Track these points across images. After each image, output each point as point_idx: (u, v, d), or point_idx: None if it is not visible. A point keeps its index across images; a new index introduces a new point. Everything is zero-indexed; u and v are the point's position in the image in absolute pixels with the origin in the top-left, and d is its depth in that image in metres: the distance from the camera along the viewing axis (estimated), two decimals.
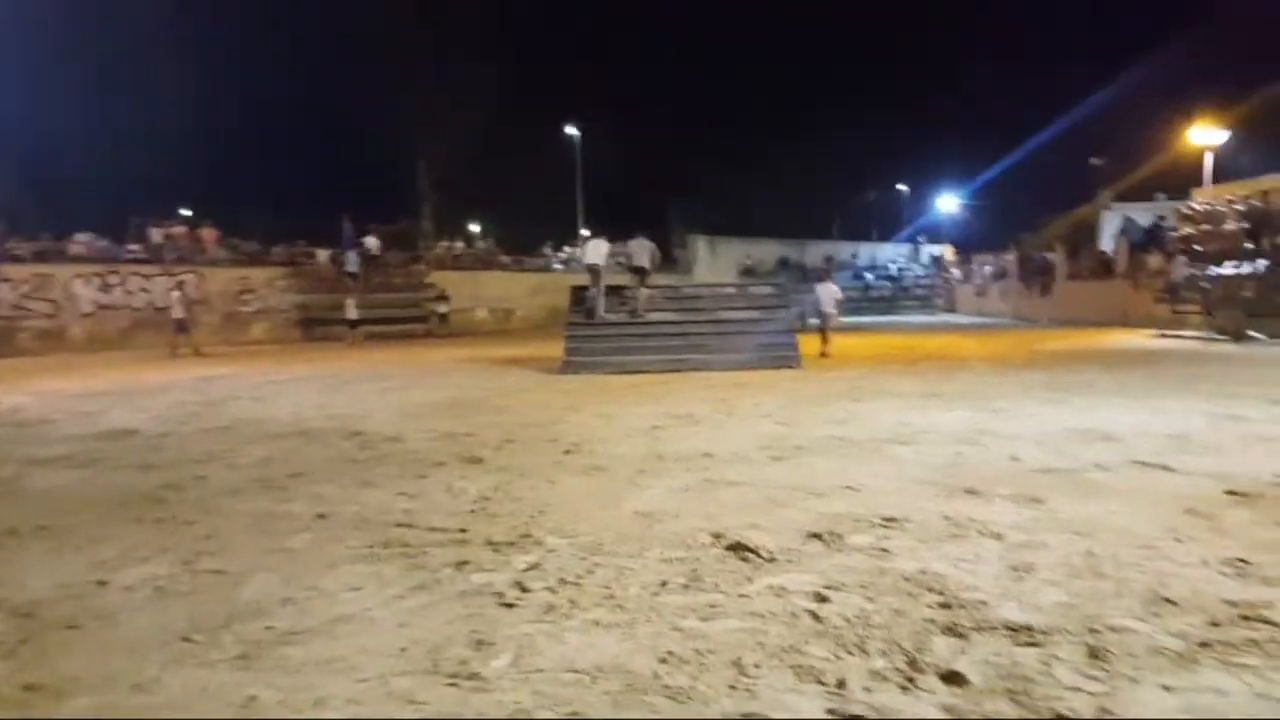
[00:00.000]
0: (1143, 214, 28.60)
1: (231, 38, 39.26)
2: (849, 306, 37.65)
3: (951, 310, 39.73)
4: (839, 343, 17.78)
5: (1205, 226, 20.78)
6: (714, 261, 39.55)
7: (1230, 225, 19.86)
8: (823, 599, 3.53)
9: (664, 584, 3.76)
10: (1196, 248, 21.14)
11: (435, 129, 34.87)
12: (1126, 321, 23.92)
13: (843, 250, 44.59)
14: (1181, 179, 29.10)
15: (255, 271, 29.56)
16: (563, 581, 3.85)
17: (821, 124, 53.09)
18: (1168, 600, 3.39)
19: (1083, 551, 4.07)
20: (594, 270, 16.21)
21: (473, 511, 5.19)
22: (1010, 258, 34.70)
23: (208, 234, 29.99)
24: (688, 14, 55.15)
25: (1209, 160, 25.43)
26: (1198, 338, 19.36)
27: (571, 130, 37.80)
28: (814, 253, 42.75)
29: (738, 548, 4.26)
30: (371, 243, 30.45)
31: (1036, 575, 3.76)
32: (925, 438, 7.48)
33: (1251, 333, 18.37)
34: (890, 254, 45.53)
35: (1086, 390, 10.40)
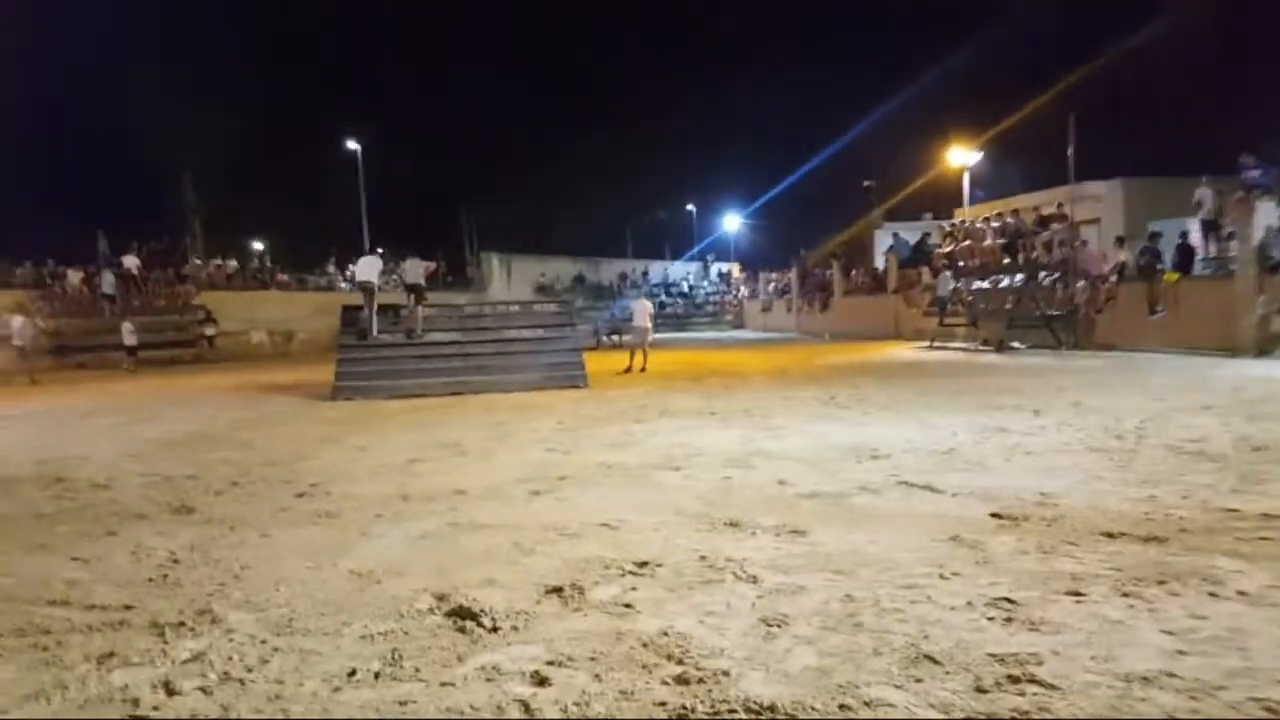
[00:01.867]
0: (912, 232, 30.31)
1: None
2: None
3: (740, 326, 40.81)
4: (625, 361, 17.49)
5: (966, 243, 22.10)
6: (508, 279, 38.78)
7: (989, 241, 21.19)
8: (542, 680, 2.91)
9: (353, 674, 3.02)
10: (960, 263, 22.46)
11: (203, 141, 32.33)
12: (899, 334, 25.15)
13: (636, 268, 44.89)
14: (947, 199, 31.18)
15: None
16: (225, 677, 3.03)
17: (614, 144, 53.68)
18: (930, 659, 2.99)
19: (842, 595, 3.66)
20: (367, 289, 15.11)
21: (151, 580, 4.24)
22: (791, 275, 35.97)
23: None
24: (483, 28, 54.35)
25: (967, 180, 27.23)
26: (964, 349, 20.47)
27: (352, 144, 35.94)
28: (608, 270, 42.84)
29: (459, 613, 3.58)
30: (130, 262, 27.65)
31: (789, 630, 3.30)
32: (697, 461, 7.09)
33: (1013, 343, 19.61)
34: (681, 272, 46.27)
35: (859, 405, 10.44)
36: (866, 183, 41.13)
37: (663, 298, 42.70)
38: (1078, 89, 23.27)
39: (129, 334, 23.57)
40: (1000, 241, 20.65)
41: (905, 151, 39.33)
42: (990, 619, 3.36)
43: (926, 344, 21.72)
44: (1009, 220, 20.79)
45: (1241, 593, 3.55)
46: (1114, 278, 18.17)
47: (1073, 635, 3.16)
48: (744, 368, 17.71)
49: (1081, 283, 18.14)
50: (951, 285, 22.07)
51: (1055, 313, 18.89)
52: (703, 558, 4.30)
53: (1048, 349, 18.66)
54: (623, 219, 48.87)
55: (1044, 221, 20.00)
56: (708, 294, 44.72)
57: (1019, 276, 20.11)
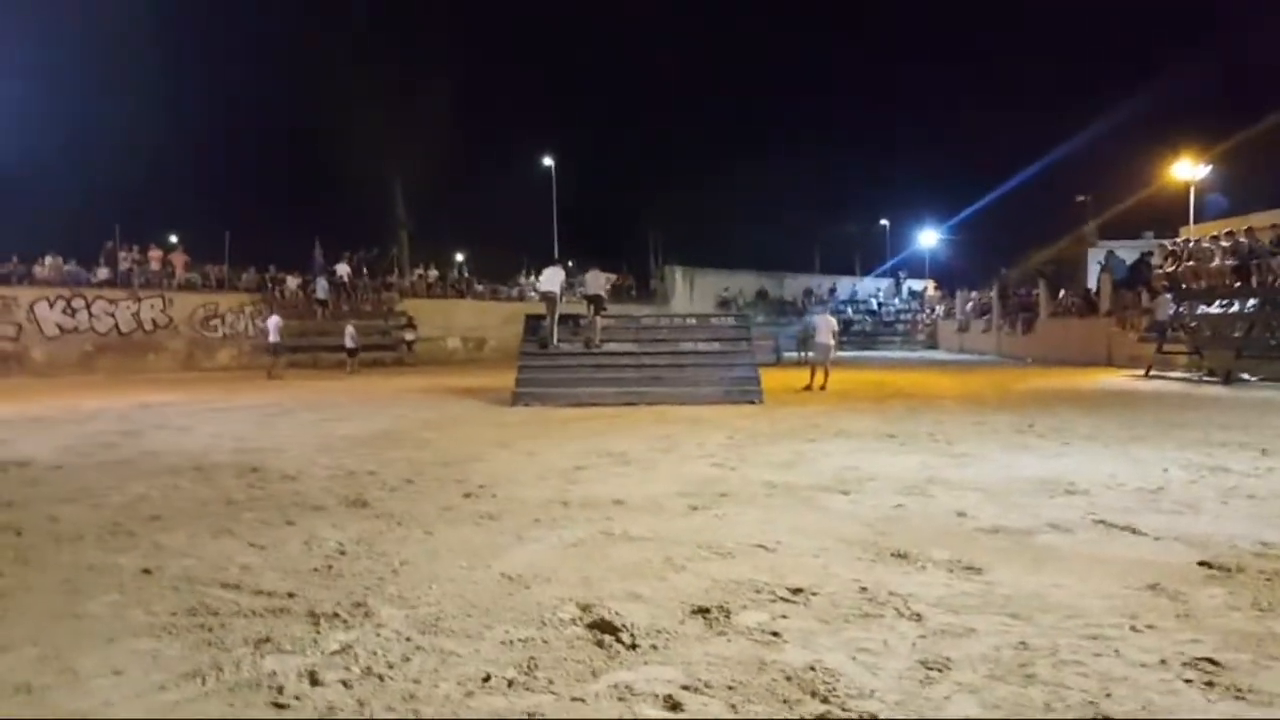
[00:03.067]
0: (1129, 251, 28.11)
1: (205, 60, 38.82)
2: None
3: (933, 346, 39.16)
4: (805, 378, 17.07)
5: (1191, 264, 20.20)
6: (691, 292, 38.95)
7: (1217, 263, 19.27)
8: (675, 705, 2.77)
9: (487, 679, 2.98)
10: (1183, 285, 20.56)
11: (410, 158, 34.35)
12: (1111, 361, 23.29)
13: (822, 284, 44.01)
14: (1170, 217, 28.71)
15: (223, 297, 28.88)
16: (367, 671, 3.07)
17: (802, 156, 53.01)
18: None
19: (1015, 643, 3.31)
20: (549, 298, 15.49)
21: (316, 570, 4.41)
22: (992, 294, 34.13)
23: (177, 259, 29.30)
24: (671, 44, 55.12)
25: (1193, 197, 24.96)
26: (1185, 379, 18.69)
27: (547, 160, 37.21)
28: (792, 285, 42.23)
29: (601, 626, 3.50)
30: (342, 269, 29.75)
31: (950, 676, 3.00)
32: (869, 485, 6.73)
33: (1243, 375, 17.73)
34: (870, 288, 44.93)
35: (1058, 434, 9.67)
36: (1080, 198, 38.63)
37: (850, 314, 41.68)
38: None
39: (350, 337, 25.15)
40: (1230, 263, 18.70)
41: (1123, 164, 36.62)
42: (1187, 681, 2.93)
43: (1142, 372, 19.96)
44: (1241, 240, 18.79)
45: None
46: None
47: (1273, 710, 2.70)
48: (932, 390, 16.91)
49: None
50: (1173, 309, 20.19)
51: None
52: (863, 589, 4.02)
53: None
54: (812, 233, 48.08)
55: None
56: (898, 312, 43.21)
57: (1252, 301, 18.14)
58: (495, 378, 19.58)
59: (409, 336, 29.74)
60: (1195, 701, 2.78)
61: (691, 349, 15.74)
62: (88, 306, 26.02)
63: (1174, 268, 20.73)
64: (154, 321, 27.12)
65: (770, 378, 17.78)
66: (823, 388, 16.58)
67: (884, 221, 49.51)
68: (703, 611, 3.70)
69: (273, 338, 23.39)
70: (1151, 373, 19.35)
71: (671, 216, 42.48)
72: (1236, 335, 18.05)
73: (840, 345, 19.74)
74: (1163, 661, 3.10)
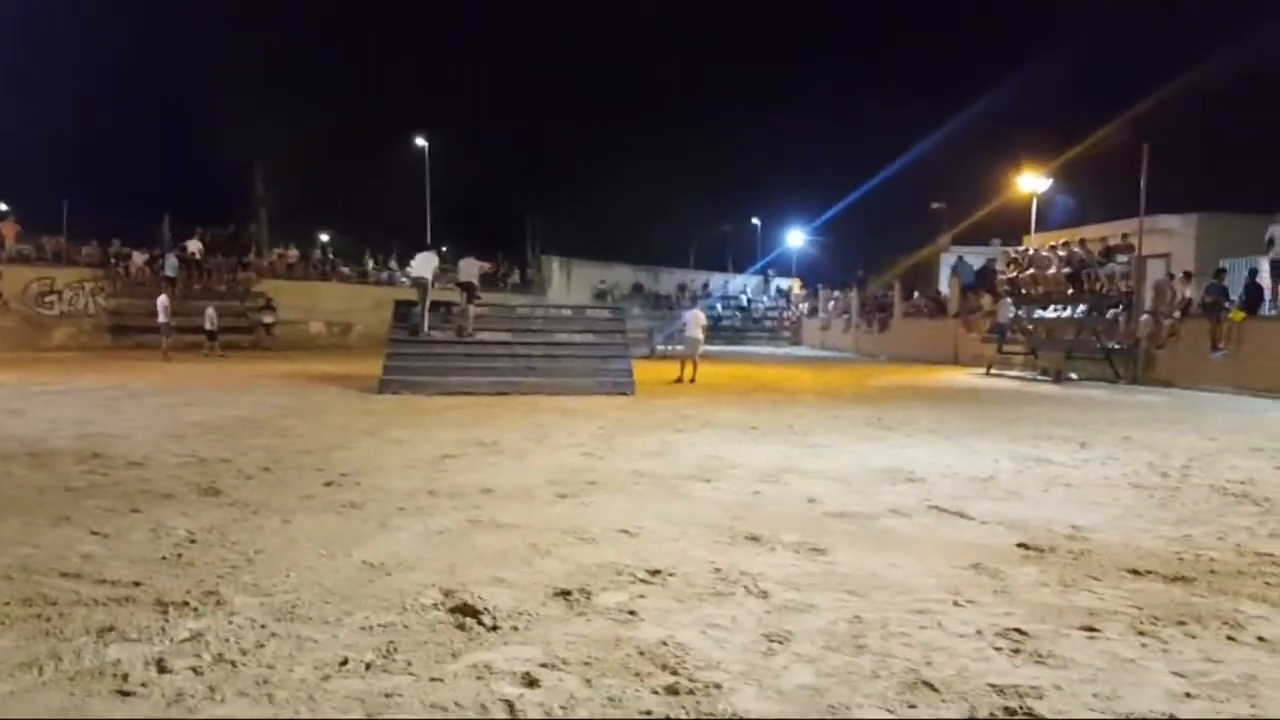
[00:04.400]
0: (977, 257, 29.79)
1: (52, 20, 36.30)
2: None
3: (797, 343, 40.48)
4: (676, 370, 17.42)
5: (1031, 271, 21.62)
6: (568, 283, 39.01)
7: (1053, 270, 20.70)
8: (532, 682, 2.88)
9: (344, 663, 3.02)
10: (1023, 290, 21.98)
11: (274, 134, 33.13)
12: (957, 359, 24.69)
13: (696, 279, 44.83)
14: (1017, 225, 30.52)
15: (61, 272, 27.13)
16: (219, 659, 3.06)
17: (681, 154, 53.82)
18: (928, 685, 2.90)
19: (850, 616, 3.58)
20: (420, 284, 15.28)
21: (164, 559, 4.31)
22: (852, 294, 35.56)
23: (7, 228, 27.31)
24: (553, 31, 54.91)
25: (1035, 208, 26.68)
26: (1021, 377, 20.02)
27: (420, 141, 36.49)
28: (667, 280, 42.86)
29: (463, 610, 3.58)
30: (193, 246, 28.35)
31: (791, 647, 3.23)
32: (731, 474, 7.02)
33: (1071, 374, 19.12)
34: (740, 285, 46.06)
35: (905, 427, 10.26)
36: (935, 205, 40.64)
37: (720, 310, 42.57)
38: (1154, 117, 22.65)
39: (209, 319, 24.06)
40: (1065, 271, 20.14)
41: (975, 175, 38.78)
42: (997, 649, 3.25)
43: (983, 370, 21.27)
44: (1075, 250, 20.27)
45: (1261, 638, 3.40)
46: (1177, 314, 17.62)
47: (1079, 671, 3.04)
48: (795, 384, 17.55)
49: (1144, 317, 17.62)
50: (1012, 313, 21.60)
51: (1116, 346, 18.38)
52: (717, 570, 4.24)
53: (1106, 382, 18.14)
54: (688, 230, 48.85)
55: (1109, 252, 19.47)
56: (766, 309, 44.45)
57: (1081, 307, 19.61)
58: (362, 365, 19.12)
59: (267, 319, 28.68)
60: (1003, 666, 3.09)
61: (566, 340, 15.83)
62: None
63: (1015, 274, 22.15)
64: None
65: (645, 370, 18.08)
66: (692, 380, 16.95)
67: (755, 221, 50.81)
68: (564, 594, 3.83)
69: (161, 318, 22.62)
70: (992, 371, 20.66)
71: (550, 207, 42.49)
72: (1067, 338, 19.47)
73: (709, 340, 20.22)
74: (978, 632, 3.42)
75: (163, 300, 22.93)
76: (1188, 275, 18.09)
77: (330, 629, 3.37)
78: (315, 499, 5.83)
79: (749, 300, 44.65)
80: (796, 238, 47.87)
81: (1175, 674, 3.04)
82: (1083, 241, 20.73)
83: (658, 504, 5.84)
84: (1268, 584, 4.17)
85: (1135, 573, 4.31)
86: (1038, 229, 27.12)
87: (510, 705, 2.71)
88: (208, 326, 23.81)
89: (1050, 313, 20.68)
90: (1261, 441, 9.39)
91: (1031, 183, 26.42)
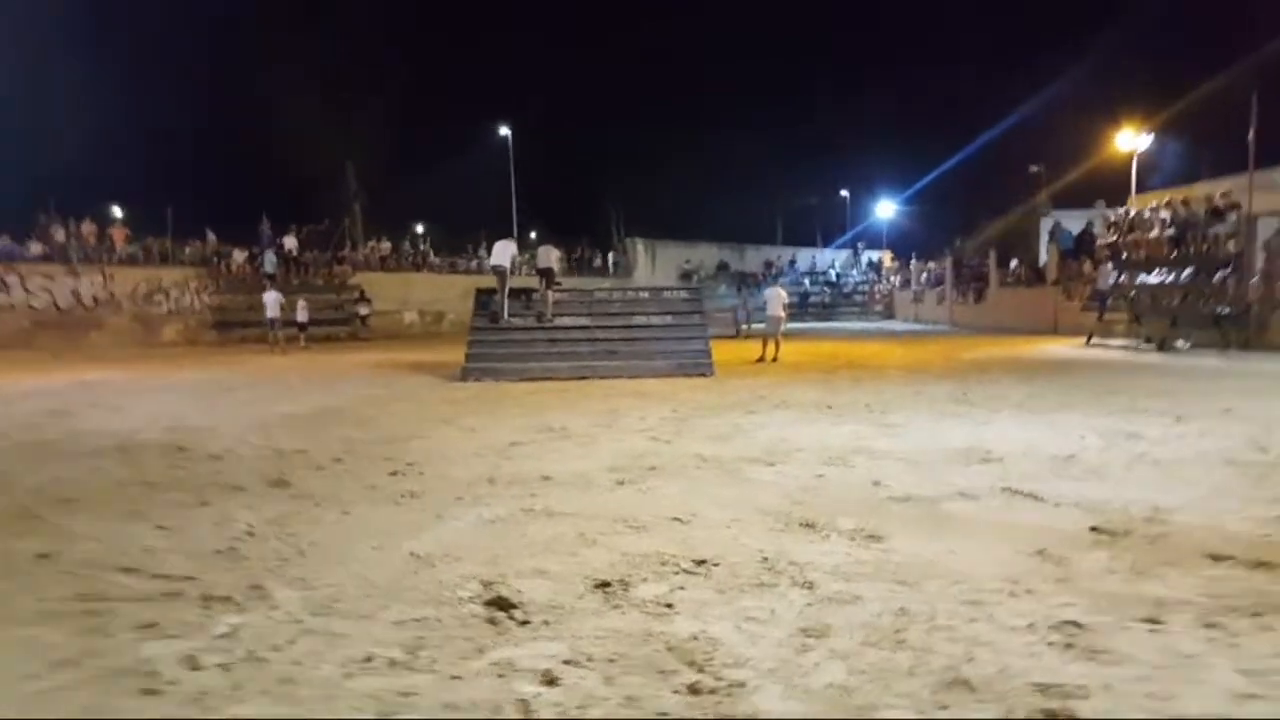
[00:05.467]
0: (1076, 221, 28.47)
1: (148, 30, 37.89)
2: (788, 312, 37.59)
3: (890, 317, 39.51)
4: (760, 350, 17.17)
5: (1132, 234, 20.55)
6: (653, 265, 38.92)
7: (1156, 232, 19.62)
8: (552, 680, 2.83)
9: (369, 660, 3.03)
10: (1124, 255, 20.92)
11: (364, 132, 33.96)
12: (1057, 329, 23.68)
13: (783, 255, 44.16)
14: (1123, 186, 29.09)
15: (167, 272, 28.38)
16: (250, 656, 3.10)
17: (764, 128, 53.09)
18: (965, 684, 2.74)
19: (896, 609, 3.42)
20: (499, 272, 15.42)
21: (219, 553, 4.41)
22: (946, 264, 34.48)
23: (117, 233, 28.72)
24: (632, 15, 54.69)
25: (1136, 167, 25.32)
26: (1124, 347, 19.07)
27: (503, 130, 36.85)
28: (753, 257, 42.32)
29: (498, 603, 3.56)
30: (290, 242, 29.34)
31: (827, 643, 3.10)
32: (797, 456, 6.85)
33: (1177, 343, 18.13)
34: (829, 259, 45.16)
35: (991, 403, 9.86)
36: (1033, 168, 39.00)
37: (808, 286, 41.89)
38: (1264, 65, 21.13)
39: (302, 310, 24.87)
40: (1169, 233, 19.05)
41: (1075, 135, 36.96)
42: (1050, 644, 3.06)
43: (1084, 340, 20.34)
44: (1179, 210, 19.14)
45: None
46: None
47: (1134, 668, 2.83)
48: (881, 360, 17.11)
49: (1255, 279, 16.55)
50: (1113, 279, 20.56)
51: (1226, 311, 17.32)
52: (765, 559, 4.12)
53: (1215, 350, 17.13)
54: (774, 205, 48.19)
55: (1215, 212, 18.31)
56: (856, 283, 43.50)
57: (1187, 271, 18.53)
58: (451, 352, 19.43)
59: (363, 310, 29.47)
60: (1051, 663, 2.90)
61: (644, 322, 15.78)
62: (23, 283, 25.52)
63: (1116, 238, 21.07)
64: (94, 298, 26.66)
65: (729, 350, 17.94)
66: (775, 359, 16.71)
67: (844, 193, 49.74)
68: (604, 586, 3.78)
69: (271, 313, 23.36)
70: (1092, 341, 19.71)
71: (634, 190, 42.50)
72: (1172, 304, 18.44)
73: (790, 317, 19.87)
74: (1031, 626, 3.23)
75: (271, 296, 23.73)
76: None
77: (364, 624, 3.39)
78: (378, 489, 5.91)
79: (838, 275, 43.74)
80: (886, 208, 46.67)
81: (1240, 671, 2.80)
82: (1186, 201, 19.55)
83: (716, 489, 5.74)
84: None
85: (1214, 558, 4.01)
86: (1142, 189, 25.78)
87: (526, 705, 2.67)
88: (300, 319, 24.53)
89: (1154, 278, 19.59)
90: None
91: (1131, 140, 25.05)
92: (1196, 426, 8.00)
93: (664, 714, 2.59)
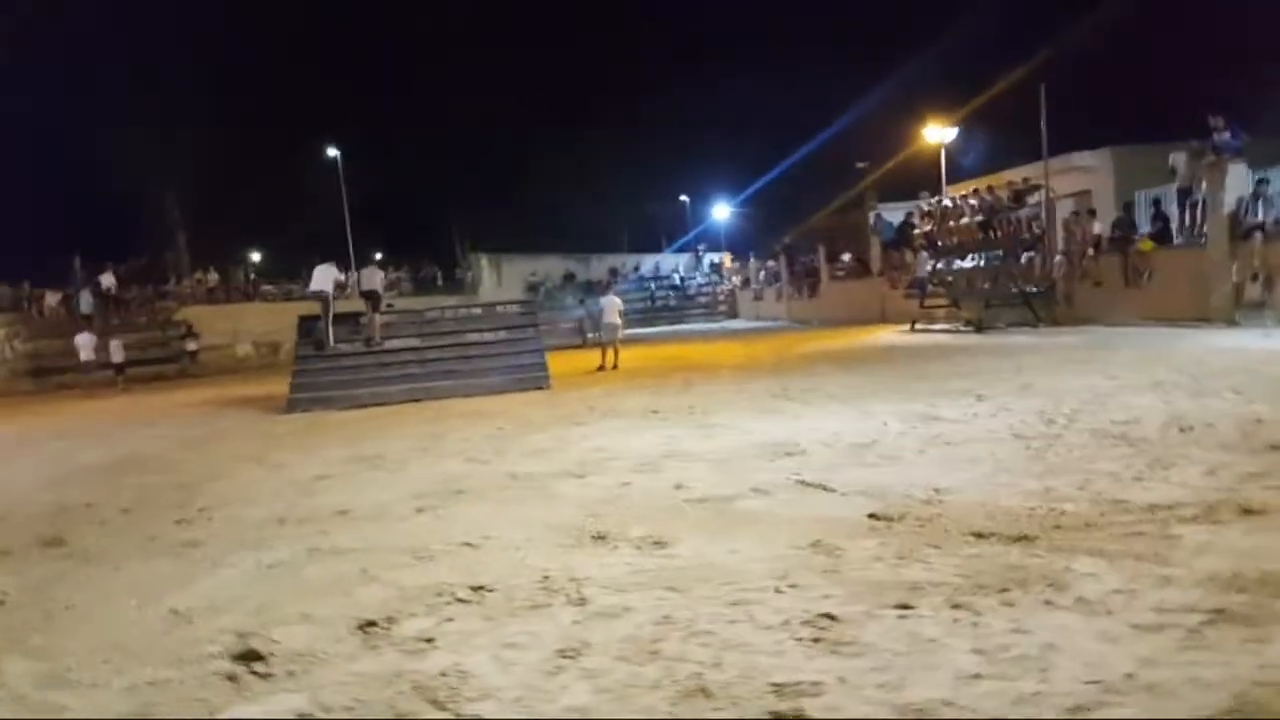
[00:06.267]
0: (899, 213, 29.83)
1: None
2: (637, 318, 37.94)
3: (734, 316, 40.41)
4: (601, 358, 17.20)
5: (948, 223, 21.70)
6: (499, 279, 38.56)
7: (966, 220, 20.79)
8: None
9: None
10: (939, 243, 22.06)
11: (184, 156, 32.30)
12: (885, 318, 24.73)
13: (628, 262, 44.57)
14: (938, 178, 30.64)
15: None
16: None
17: (604, 141, 53.59)
18: (704, 691, 2.73)
19: (660, 618, 3.40)
20: (321, 298, 14.86)
21: None
22: (780, 262, 35.54)
23: None
24: (463, 27, 54.12)
25: (944, 159, 26.79)
26: (945, 330, 20.10)
27: (332, 151, 35.71)
28: (599, 266, 42.52)
29: (247, 656, 3.34)
30: (107, 281, 27.59)
31: (581, 662, 3.05)
32: (610, 466, 6.83)
33: (995, 323, 19.25)
34: (673, 264, 45.86)
35: (808, 396, 10.15)
36: (860, 164, 40.67)
37: (654, 291, 42.42)
38: (1051, 59, 22.79)
39: (116, 350, 23.42)
40: (977, 219, 20.23)
41: (897, 132, 38.76)
42: (798, 640, 3.10)
43: (909, 327, 21.34)
44: (985, 196, 20.37)
45: (1081, 599, 3.27)
46: (1090, 251, 17.78)
47: (874, 659, 2.89)
48: (718, 360, 17.42)
49: (1058, 258, 17.76)
50: (930, 266, 21.68)
51: (1033, 289, 18.51)
52: (546, 578, 4.04)
53: (1028, 327, 18.28)
54: (617, 214, 48.57)
55: (1018, 196, 19.58)
56: (700, 285, 44.31)
57: (995, 254, 19.73)
58: (284, 384, 18.45)
59: (190, 346, 27.98)
60: (795, 660, 2.93)
61: (477, 339, 15.54)
62: None
63: (930, 227, 22.22)
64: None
65: (573, 360, 17.89)
66: (614, 367, 16.79)
67: (683, 198, 50.58)
68: (369, 625, 3.61)
69: (83, 356, 22.49)
70: (916, 327, 20.72)
71: (477, 205, 42.00)
72: (985, 286, 19.58)
73: (640, 322, 20.07)
74: (786, 622, 3.27)
75: (82, 338, 22.39)
76: (1092, 212, 18.27)
77: (91, 694, 3.13)
78: (158, 540, 5.54)
79: (682, 278, 44.45)
80: (722, 210, 47.75)
81: (976, 651, 2.89)
82: (990, 188, 20.82)
83: (519, 509, 5.64)
84: (1112, 535, 4.07)
85: (978, 536, 4.19)
86: (955, 179, 27.27)
87: None
88: (115, 359, 23.09)
89: (967, 262, 20.76)
90: (1162, 375, 9.38)
91: (938, 134, 26.50)
92: (994, 405, 8.43)
93: None
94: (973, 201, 20.81)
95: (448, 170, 48.84)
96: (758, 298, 38.24)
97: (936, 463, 6.01)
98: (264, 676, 3.16)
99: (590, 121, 57.92)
